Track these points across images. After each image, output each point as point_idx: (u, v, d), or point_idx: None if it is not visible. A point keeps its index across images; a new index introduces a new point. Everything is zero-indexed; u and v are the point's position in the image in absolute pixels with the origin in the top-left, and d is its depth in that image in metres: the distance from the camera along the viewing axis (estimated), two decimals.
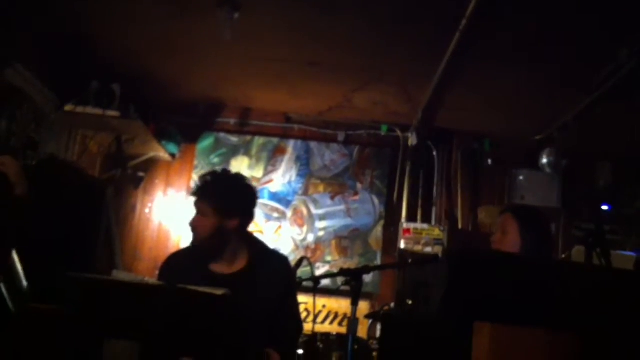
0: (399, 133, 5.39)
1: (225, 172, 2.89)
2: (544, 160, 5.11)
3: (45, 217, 3.21)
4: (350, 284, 2.36)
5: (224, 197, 2.68)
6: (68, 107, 4.33)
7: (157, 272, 4.82)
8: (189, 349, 2.40)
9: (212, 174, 2.82)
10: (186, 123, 5.30)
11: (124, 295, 2.23)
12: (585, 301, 1.87)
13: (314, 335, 3.60)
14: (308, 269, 3.14)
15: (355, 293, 2.33)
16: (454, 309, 2.26)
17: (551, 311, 1.94)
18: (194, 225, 2.71)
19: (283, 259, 2.89)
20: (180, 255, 2.87)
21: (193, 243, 2.75)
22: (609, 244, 2.10)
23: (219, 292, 2.17)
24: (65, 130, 4.59)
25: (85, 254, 3.71)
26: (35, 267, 2.78)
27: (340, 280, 4.16)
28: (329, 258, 5.24)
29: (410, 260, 3.52)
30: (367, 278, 5.02)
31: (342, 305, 4.99)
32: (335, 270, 4.65)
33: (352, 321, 2.30)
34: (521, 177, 5.36)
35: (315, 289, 2.72)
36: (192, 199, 2.78)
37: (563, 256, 4.61)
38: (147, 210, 5.29)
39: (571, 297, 1.95)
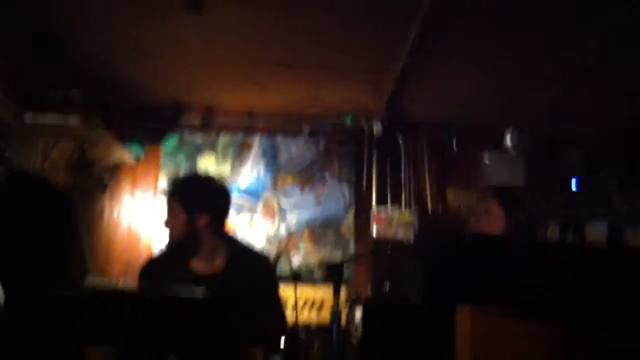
0: (363, 123, 5.41)
1: (194, 172, 2.95)
2: (507, 142, 5.20)
3: (17, 230, 3.16)
4: (332, 277, 2.39)
5: (190, 195, 2.73)
6: (28, 117, 4.23)
7: (129, 275, 4.83)
8: (171, 351, 2.41)
9: (181, 175, 2.89)
10: (150, 125, 5.24)
11: (101, 304, 2.23)
12: (563, 279, 1.92)
13: (295, 327, 3.62)
14: (286, 263, 3.15)
15: (337, 286, 2.36)
16: (434, 293, 2.30)
17: (530, 291, 1.99)
18: (165, 224, 2.75)
19: (262, 257, 2.92)
20: (159, 258, 2.88)
21: (168, 243, 2.77)
22: (582, 222, 2.16)
23: (198, 293, 2.19)
24: (27, 140, 4.49)
25: (57, 262, 3.66)
26: (9, 280, 2.74)
27: (317, 270, 4.19)
28: (302, 248, 5.26)
29: (388, 251, 3.56)
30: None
31: (318, 292, 4.99)
32: (310, 261, 4.68)
33: (335, 312, 2.34)
34: (486, 159, 5.45)
35: (296, 284, 2.75)
36: (162, 201, 2.81)
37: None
38: (115, 214, 5.23)
39: (548, 277, 1.99)
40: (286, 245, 5.21)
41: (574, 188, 5.18)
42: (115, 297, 2.24)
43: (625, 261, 1.91)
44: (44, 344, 2.57)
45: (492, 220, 2.97)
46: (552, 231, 2.54)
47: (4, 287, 2.64)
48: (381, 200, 5.35)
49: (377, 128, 5.31)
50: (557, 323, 1.85)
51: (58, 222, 3.54)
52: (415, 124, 5.48)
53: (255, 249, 2.98)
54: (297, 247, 5.24)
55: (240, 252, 2.82)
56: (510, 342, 1.92)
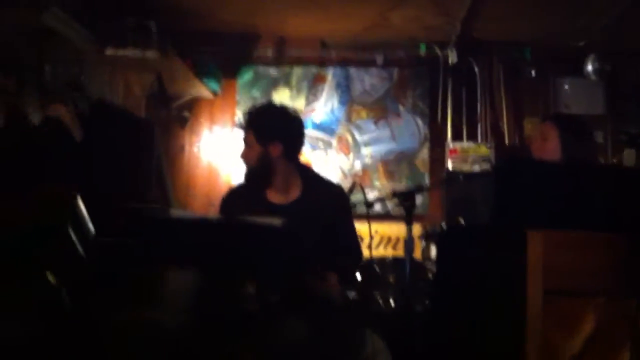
0: (437, 51, 5.30)
1: (267, 103, 2.99)
2: (588, 67, 5.03)
3: (100, 160, 3.31)
4: (404, 204, 2.41)
5: (262, 124, 2.78)
6: (109, 51, 4.36)
7: (210, 208, 4.99)
8: (250, 276, 2.51)
9: (254, 106, 2.92)
10: (223, 57, 5.29)
11: (186, 229, 2.33)
12: (635, 202, 1.89)
13: (370, 259, 3.67)
14: (360, 195, 3.19)
15: (408, 213, 2.37)
16: (504, 219, 2.29)
17: (601, 214, 1.96)
18: (241, 156, 2.82)
19: (336, 186, 2.96)
20: (238, 189, 2.96)
21: (245, 175, 2.85)
22: None
23: (277, 221, 2.25)
24: (107, 73, 4.62)
25: (139, 194, 3.83)
26: (95, 208, 2.90)
27: (391, 203, 4.21)
28: (377, 183, 5.29)
29: (461, 177, 3.53)
30: (417, 200, 5.05)
31: (393, 229, 5.03)
32: (384, 195, 4.70)
33: (408, 241, 2.36)
34: (565, 86, 5.29)
35: (369, 214, 2.78)
36: (238, 134, 2.87)
37: (614, 161, 4.57)
38: (195, 149, 5.38)
39: (621, 200, 1.97)
40: (361, 177, 5.24)
41: None
42: (197, 223, 2.34)
43: None
44: (130, 266, 2.72)
45: (547, 144, 2.93)
46: (628, 155, 2.48)
47: (90, 212, 2.79)
48: (456, 133, 5.29)
49: (451, 56, 5.20)
50: (627, 241, 1.83)
51: (139, 152, 3.71)
52: (491, 48, 5.32)
53: (329, 179, 3.02)
54: (371, 182, 5.27)
55: (314, 182, 2.86)
56: (580, 263, 1.91)
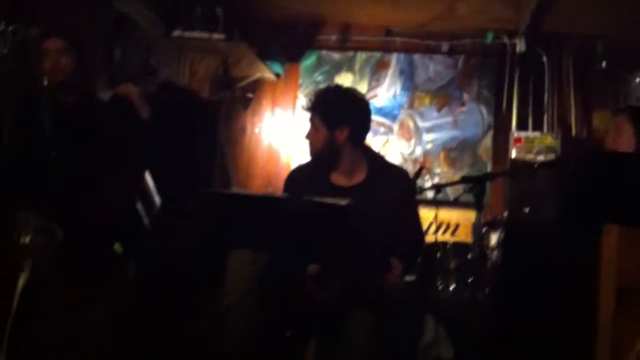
0: (505, 40, 5.19)
1: (334, 86, 2.97)
2: None
3: (167, 139, 3.36)
4: (474, 191, 2.37)
5: (330, 108, 2.74)
6: (176, 33, 4.44)
7: (269, 189, 5.02)
8: (314, 258, 2.51)
9: (322, 88, 2.90)
10: (288, 42, 5.31)
11: (251, 208, 2.34)
12: None
13: (431, 244, 3.63)
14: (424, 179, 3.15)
15: (478, 200, 2.33)
16: (579, 213, 2.23)
17: None
18: (307, 138, 2.80)
19: (402, 171, 2.93)
20: (302, 170, 2.95)
21: (310, 156, 2.84)
22: None
23: (342, 202, 2.24)
24: (174, 55, 4.71)
25: (203, 172, 3.88)
26: (161, 186, 2.95)
27: (452, 192, 4.16)
28: (437, 170, 5.22)
29: (536, 166, 3.45)
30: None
31: (452, 215, 4.96)
32: (448, 180, 4.64)
33: (477, 227, 2.32)
34: (637, 79, 5.12)
35: (436, 199, 2.74)
36: (299, 117, 2.86)
37: None
38: (256, 130, 5.41)
39: None
40: (421, 163, 5.16)
41: None
42: (264, 202, 2.35)
43: None
44: (195, 243, 2.76)
45: (621, 138, 2.85)
46: None
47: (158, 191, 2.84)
48: (522, 123, 5.18)
49: (519, 45, 5.08)
50: None
51: (204, 132, 3.77)
52: (560, 40, 5.19)
53: (394, 164, 2.99)
54: (432, 170, 5.20)
55: (379, 166, 2.83)
56: None
